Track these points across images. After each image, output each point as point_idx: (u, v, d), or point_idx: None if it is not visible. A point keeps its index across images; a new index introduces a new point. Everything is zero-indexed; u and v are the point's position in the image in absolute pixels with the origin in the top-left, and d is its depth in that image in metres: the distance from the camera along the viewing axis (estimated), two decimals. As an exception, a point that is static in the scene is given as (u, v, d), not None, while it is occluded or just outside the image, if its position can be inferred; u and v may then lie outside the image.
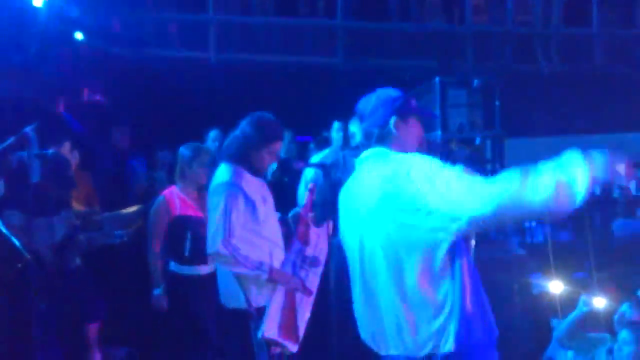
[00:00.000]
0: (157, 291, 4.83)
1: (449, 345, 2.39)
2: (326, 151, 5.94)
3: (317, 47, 8.60)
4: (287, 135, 6.64)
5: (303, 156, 6.66)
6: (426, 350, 2.43)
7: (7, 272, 4.75)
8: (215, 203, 3.76)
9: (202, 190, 4.65)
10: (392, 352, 2.53)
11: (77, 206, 5.52)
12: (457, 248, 2.42)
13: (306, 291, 3.90)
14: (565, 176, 2.18)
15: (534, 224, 8.51)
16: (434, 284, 2.40)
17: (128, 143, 6.97)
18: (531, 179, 2.19)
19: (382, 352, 2.60)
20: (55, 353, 5.03)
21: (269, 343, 3.70)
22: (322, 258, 4.06)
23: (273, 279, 3.77)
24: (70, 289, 5.08)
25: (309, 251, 4.03)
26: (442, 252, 2.39)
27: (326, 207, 4.15)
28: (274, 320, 3.71)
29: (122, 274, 5.73)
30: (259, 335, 3.66)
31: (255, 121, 3.92)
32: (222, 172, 3.88)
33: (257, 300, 3.83)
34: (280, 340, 3.69)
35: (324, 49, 8.56)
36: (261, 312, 3.76)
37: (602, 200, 9.84)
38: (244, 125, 3.95)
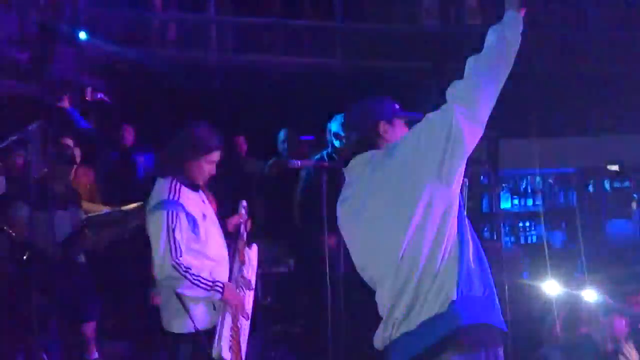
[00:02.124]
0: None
1: (451, 293, 2.44)
2: (323, 152, 6.00)
3: (316, 48, 8.68)
4: (283, 134, 6.73)
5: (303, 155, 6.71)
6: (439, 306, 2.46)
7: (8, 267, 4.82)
8: (156, 224, 3.52)
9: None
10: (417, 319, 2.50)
11: (87, 205, 5.56)
12: (459, 214, 2.53)
13: (245, 314, 3.72)
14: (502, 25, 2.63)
15: (527, 224, 8.57)
16: (445, 246, 2.49)
17: (133, 140, 7.05)
18: (484, 51, 2.59)
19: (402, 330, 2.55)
20: (54, 348, 5.09)
21: None
22: (253, 282, 3.90)
23: (226, 298, 3.56)
24: (72, 285, 5.11)
25: (246, 272, 3.87)
26: (450, 214, 2.49)
27: (317, 208, 4.19)
28: (226, 341, 3.49)
29: (122, 270, 5.79)
30: (214, 354, 3.43)
31: (191, 131, 3.71)
32: (159, 189, 3.61)
33: (204, 321, 3.57)
34: None
35: (323, 50, 8.64)
36: (208, 333, 3.53)
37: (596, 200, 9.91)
38: (180, 136, 3.71)
